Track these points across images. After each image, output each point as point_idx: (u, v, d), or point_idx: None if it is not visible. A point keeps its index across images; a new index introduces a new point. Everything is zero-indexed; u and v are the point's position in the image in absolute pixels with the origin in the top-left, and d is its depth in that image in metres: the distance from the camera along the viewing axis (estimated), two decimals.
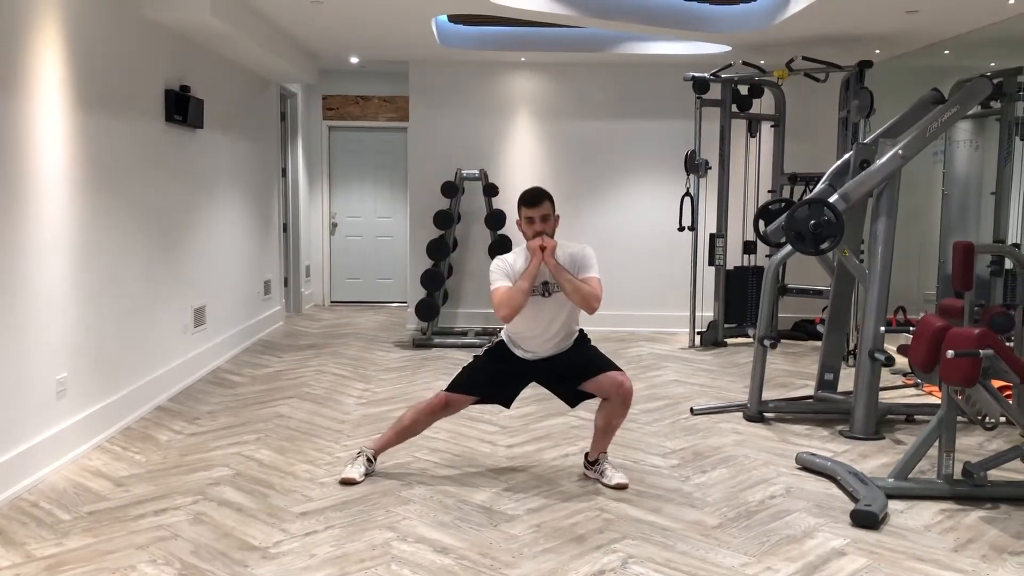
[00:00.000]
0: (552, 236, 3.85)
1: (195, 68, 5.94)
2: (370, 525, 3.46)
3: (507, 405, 4.12)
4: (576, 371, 3.94)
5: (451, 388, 3.99)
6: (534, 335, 3.94)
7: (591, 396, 3.99)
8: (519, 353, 3.98)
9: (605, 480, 3.97)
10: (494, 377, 4.01)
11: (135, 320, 5.04)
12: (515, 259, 3.92)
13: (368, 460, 4.02)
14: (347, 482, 3.90)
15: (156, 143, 5.33)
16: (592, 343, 4.08)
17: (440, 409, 3.99)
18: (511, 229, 7.97)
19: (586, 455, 4.12)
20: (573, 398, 4.03)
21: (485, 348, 4.18)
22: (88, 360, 4.44)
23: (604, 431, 3.99)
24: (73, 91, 4.26)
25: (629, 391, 3.88)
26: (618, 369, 3.91)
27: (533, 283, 3.80)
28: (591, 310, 3.81)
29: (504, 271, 3.87)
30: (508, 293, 3.78)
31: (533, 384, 4.09)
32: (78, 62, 4.30)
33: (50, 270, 4.06)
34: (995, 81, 5.20)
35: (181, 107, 5.54)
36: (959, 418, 3.87)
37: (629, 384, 3.88)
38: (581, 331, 4.06)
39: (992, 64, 6.17)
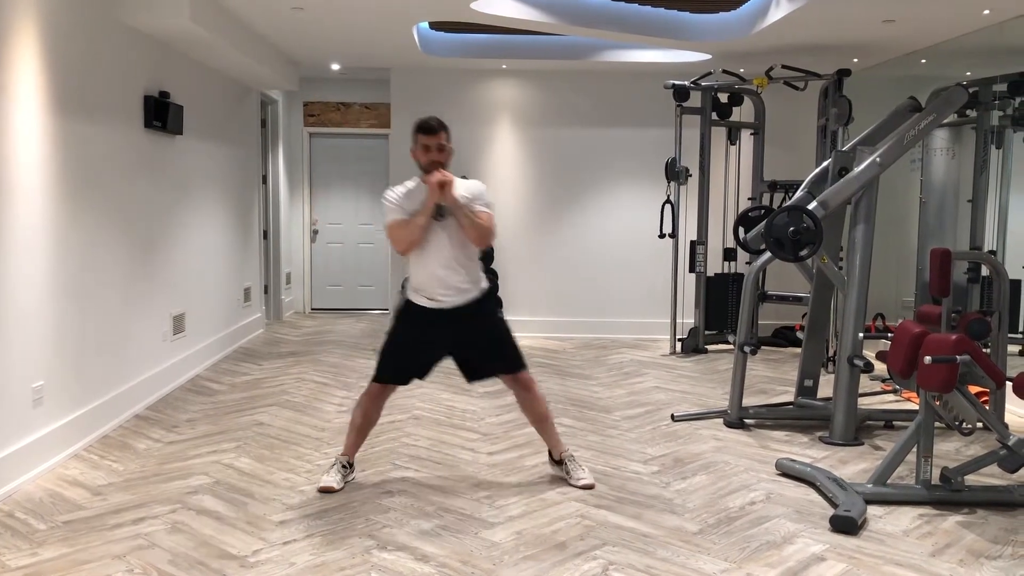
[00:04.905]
0: (446, 167, 3.84)
1: (175, 74, 5.91)
2: (350, 533, 3.44)
3: (421, 376, 4.05)
4: (482, 356, 3.97)
5: (376, 378, 3.99)
6: (432, 267, 3.85)
7: (491, 375, 4.05)
8: (425, 303, 3.89)
9: (572, 481, 4.00)
10: (409, 351, 3.97)
11: (113, 327, 4.99)
12: (407, 192, 3.88)
13: (343, 467, 4.00)
14: (325, 490, 3.88)
15: (135, 149, 5.29)
16: (501, 316, 4.06)
17: (376, 396, 4.00)
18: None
19: (549, 453, 4.15)
20: (471, 376, 4.06)
21: (394, 313, 4.10)
22: (65, 368, 4.40)
23: (538, 424, 4.07)
24: (51, 96, 4.22)
25: (527, 380, 3.98)
26: (518, 369, 3.97)
27: (430, 219, 3.79)
28: (485, 244, 3.87)
29: (398, 204, 3.85)
30: (406, 227, 3.79)
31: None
32: (56, 67, 4.27)
33: (27, 276, 4.02)
34: (971, 90, 5.26)
35: (160, 113, 5.51)
36: (937, 424, 3.90)
37: (526, 377, 3.98)
38: (491, 289, 4.05)
39: (968, 73, 6.24)
